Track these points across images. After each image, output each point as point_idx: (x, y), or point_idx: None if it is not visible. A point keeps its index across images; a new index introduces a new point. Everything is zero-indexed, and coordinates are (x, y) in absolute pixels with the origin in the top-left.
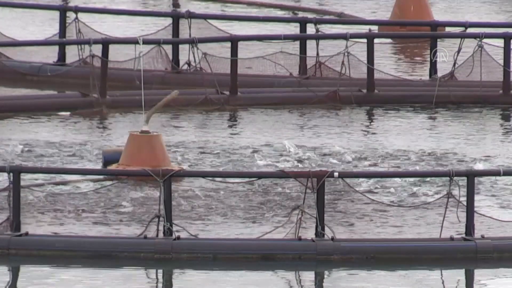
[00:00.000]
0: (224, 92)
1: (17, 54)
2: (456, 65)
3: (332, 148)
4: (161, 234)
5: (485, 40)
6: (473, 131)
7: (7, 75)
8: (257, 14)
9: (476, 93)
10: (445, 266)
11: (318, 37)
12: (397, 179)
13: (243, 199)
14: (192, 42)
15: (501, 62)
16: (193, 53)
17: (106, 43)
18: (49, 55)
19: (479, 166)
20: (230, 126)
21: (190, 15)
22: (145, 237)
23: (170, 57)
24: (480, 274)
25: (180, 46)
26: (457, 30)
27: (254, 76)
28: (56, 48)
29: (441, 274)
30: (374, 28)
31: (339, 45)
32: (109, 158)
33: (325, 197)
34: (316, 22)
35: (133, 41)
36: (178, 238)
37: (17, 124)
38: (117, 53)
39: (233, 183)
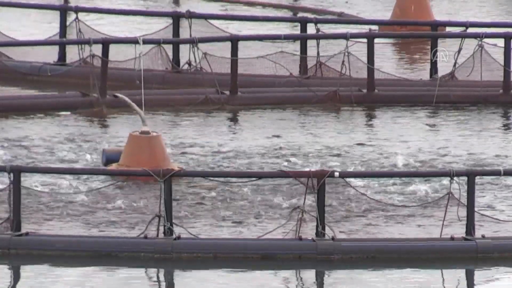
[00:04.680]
0: (224, 92)
1: (17, 54)
2: (457, 65)
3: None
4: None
5: (485, 40)
6: (473, 131)
7: (7, 75)
8: (257, 14)
9: (476, 93)
10: (445, 266)
11: (318, 37)
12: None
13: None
14: (193, 42)
15: (502, 61)
16: (194, 53)
17: (106, 43)
18: (49, 55)
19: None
20: (230, 126)
21: (191, 15)
22: (145, 237)
23: (171, 57)
24: (480, 274)
25: (181, 45)
26: (458, 30)
27: (254, 76)
28: (56, 48)
29: (441, 274)
30: (375, 28)
31: (340, 44)
32: (111, 158)
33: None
34: (316, 22)
35: (133, 41)
36: (179, 237)
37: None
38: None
39: (234, 183)
